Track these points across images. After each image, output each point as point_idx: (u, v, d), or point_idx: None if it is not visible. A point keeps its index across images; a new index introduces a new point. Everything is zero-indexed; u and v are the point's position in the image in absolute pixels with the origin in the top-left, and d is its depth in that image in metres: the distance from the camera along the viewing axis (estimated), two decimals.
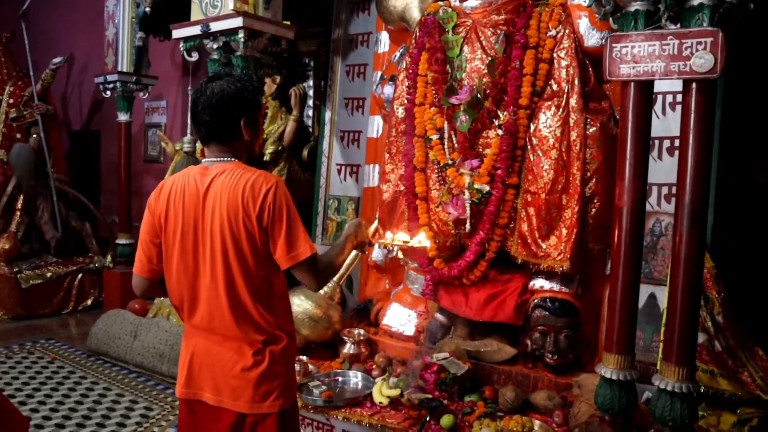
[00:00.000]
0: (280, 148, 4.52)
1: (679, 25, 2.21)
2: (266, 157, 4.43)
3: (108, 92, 5.72)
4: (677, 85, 2.51)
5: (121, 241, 5.85)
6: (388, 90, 3.62)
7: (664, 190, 3.08)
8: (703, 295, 2.78)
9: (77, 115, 7.75)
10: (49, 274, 6.04)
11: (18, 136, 6.52)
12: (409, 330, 3.43)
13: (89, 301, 6.29)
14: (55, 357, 4.71)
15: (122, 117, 5.77)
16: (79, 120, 7.74)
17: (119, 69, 5.53)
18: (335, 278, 3.58)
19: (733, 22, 2.23)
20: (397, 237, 2.28)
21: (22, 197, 6.36)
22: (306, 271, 1.89)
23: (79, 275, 6.23)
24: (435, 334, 3.28)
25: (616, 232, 2.33)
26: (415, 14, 3.55)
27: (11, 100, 6.56)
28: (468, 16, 3.29)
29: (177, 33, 3.86)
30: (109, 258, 6.23)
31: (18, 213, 6.35)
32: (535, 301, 3.04)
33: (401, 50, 3.73)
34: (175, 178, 1.99)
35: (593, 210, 2.96)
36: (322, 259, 1.96)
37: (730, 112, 3.08)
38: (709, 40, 2.09)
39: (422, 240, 2.35)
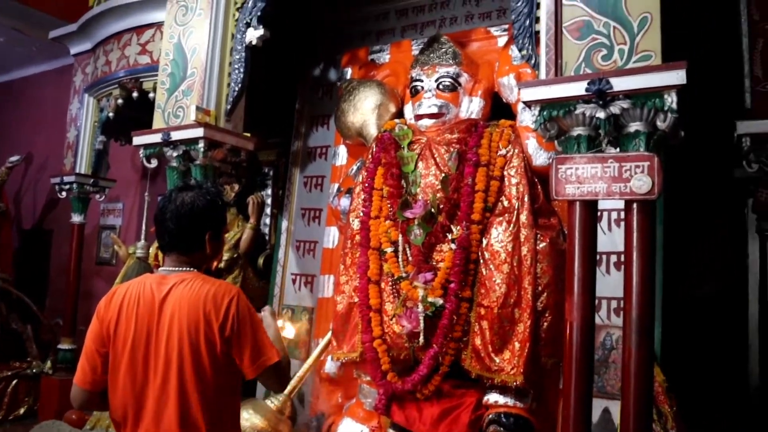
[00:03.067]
0: (235, 255, 4.50)
1: (618, 149, 2.35)
2: (221, 264, 4.39)
3: (64, 193, 5.66)
4: (621, 203, 2.63)
5: (64, 346, 5.56)
6: (344, 202, 3.70)
7: (614, 304, 3.15)
8: (656, 409, 2.78)
9: (30, 213, 7.61)
10: None
11: None
12: None
13: (22, 410, 5.84)
14: None
15: (76, 218, 5.68)
16: (31, 218, 7.60)
17: (77, 171, 5.51)
18: (286, 391, 3.47)
19: (667, 147, 2.39)
20: None
21: None
22: (272, 376, 1.89)
23: (14, 381, 5.82)
24: None
25: (567, 346, 2.35)
26: (372, 131, 3.68)
27: None
28: (423, 133, 3.44)
29: (138, 140, 3.90)
30: (48, 363, 5.89)
31: None
32: (490, 416, 2.98)
33: (358, 164, 3.84)
34: (129, 285, 1.96)
35: (545, 324, 2.98)
36: (282, 360, 1.94)
37: (672, 226, 3.23)
38: (646, 164, 2.22)
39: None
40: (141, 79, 4.67)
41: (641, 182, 2.21)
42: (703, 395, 3.70)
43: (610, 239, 3.19)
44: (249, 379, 1.88)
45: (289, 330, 2.47)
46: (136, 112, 4.84)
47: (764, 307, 4.07)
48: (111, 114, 5.11)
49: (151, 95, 4.41)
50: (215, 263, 2.10)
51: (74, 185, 5.54)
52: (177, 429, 1.79)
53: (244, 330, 1.83)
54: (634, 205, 2.26)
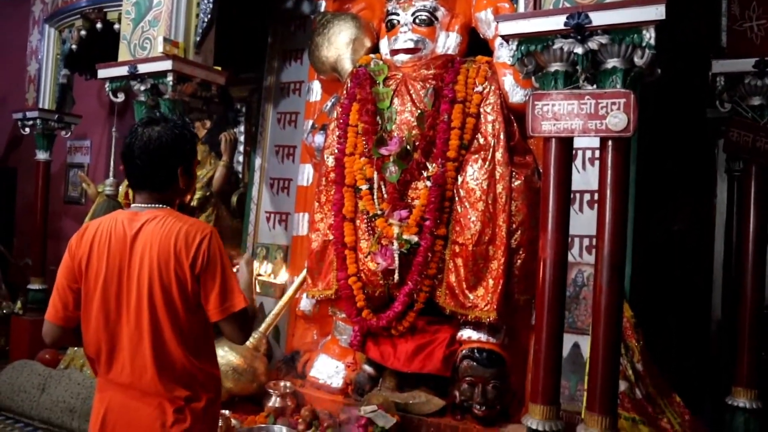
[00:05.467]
0: (208, 193, 4.43)
1: (595, 86, 2.33)
2: (194, 203, 4.32)
3: (27, 129, 5.47)
4: (596, 141, 2.63)
5: (34, 286, 5.48)
6: (318, 139, 3.64)
7: (586, 242, 3.18)
8: (624, 343, 2.86)
9: None
10: None
11: None
12: (337, 382, 3.37)
13: None
14: None
15: (41, 155, 5.51)
16: None
17: (40, 106, 5.30)
18: (261, 328, 3.50)
19: (644, 84, 2.37)
20: None
21: None
22: (236, 323, 1.83)
23: None
24: (363, 386, 3.23)
25: (540, 282, 2.38)
26: (347, 66, 3.60)
27: None
28: (398, 69, 3.37)
29: (103, 73, 3.75)
30: (19, 304, 5.82)
31: None
32: (463, 351, 3.04)
33: (333, 100, 3.77)
34: (101, 221, 1.91)
35: (519, 261, 3.02)
36: (248, 309, 1.88)
37: (645, 165, 3.25)
38: (623, 101, 2.21)
39: None
40: (105, 9, 4.45)
41: (617, 119, 2.20)
42: (668, 329, 3.82)
43: (584, 178, 3.20)
44: (212, 322, 1.83)
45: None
46: (100, 43, 4.64)
47: (729, 245, 4.17)
48: (74, 46, 4.89)
49: (116, 26, 4.22)
50: (189, 198, 2.03)
51: (38, 121, 5.35)
52: (152, 365, 1.78)
53: (213, 270, 1.79)
54: (609, 143, 2.25)
